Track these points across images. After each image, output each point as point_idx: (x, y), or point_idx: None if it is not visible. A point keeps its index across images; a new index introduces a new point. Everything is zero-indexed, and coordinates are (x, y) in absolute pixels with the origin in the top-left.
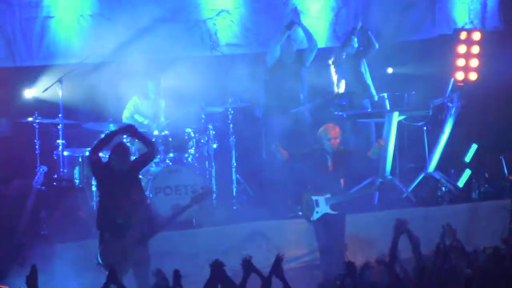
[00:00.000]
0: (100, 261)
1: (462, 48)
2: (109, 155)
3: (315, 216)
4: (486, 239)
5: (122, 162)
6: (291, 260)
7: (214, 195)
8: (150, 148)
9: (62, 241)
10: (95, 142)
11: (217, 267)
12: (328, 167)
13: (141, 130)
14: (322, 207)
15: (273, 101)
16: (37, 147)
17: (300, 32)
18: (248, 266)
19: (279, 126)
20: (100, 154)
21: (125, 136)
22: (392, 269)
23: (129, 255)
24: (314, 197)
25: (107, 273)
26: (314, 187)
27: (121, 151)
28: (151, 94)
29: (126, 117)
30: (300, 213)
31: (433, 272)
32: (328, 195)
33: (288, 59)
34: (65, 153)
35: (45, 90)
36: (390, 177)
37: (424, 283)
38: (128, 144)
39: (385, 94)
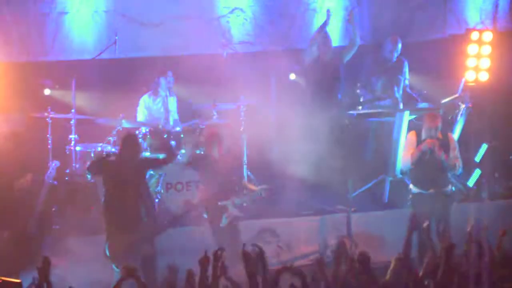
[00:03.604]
0: (108, 255)
1: (473, 48)
2: (119, 148)
3: (224, 222)
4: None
5: (131, 154)
6: (301, 257)
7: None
8: (169, 157)
9: (74, 236)
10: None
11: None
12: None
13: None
14: (231, 209)
15: (308, 101)
16: (49, 142)
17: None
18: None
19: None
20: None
21: (137, 132)
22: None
23: (135, 250)
24: (222, 203)
25: (114, 267)
26: (221, 193)
27: (129, 142)
28: (162, 91)
29: (141, 120)
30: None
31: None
32: (234, 199)
33: (326, 57)
34: (77, 148)
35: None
36: (400, 176)
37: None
38: (140, 139)
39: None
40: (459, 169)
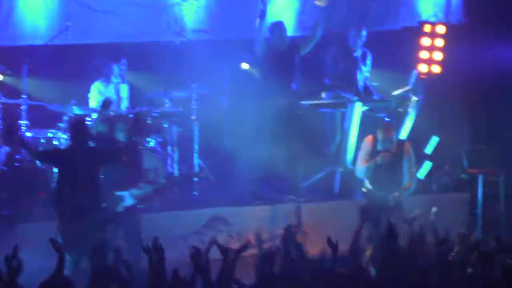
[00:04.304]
0: (60, 241)
1: (426, 41)
2: (69, 135)
3: (119, 211)
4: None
5: (81, 141)
6: (252, 247)
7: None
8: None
9: (23, 222)
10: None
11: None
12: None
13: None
14: (128, 201)
15: (261, 90)
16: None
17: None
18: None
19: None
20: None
21: (88, 118)
22: (355, 257)
23: (87, 237)
24: (119, 193)
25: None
26: (117, 182)
27: (79, 128)
28: (115, 78)
29: (92, 106)
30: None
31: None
32: (132, 190)
33: (281, 48)
34: (28, 134)
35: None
36: (351, 166)
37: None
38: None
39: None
40: (411, 189)
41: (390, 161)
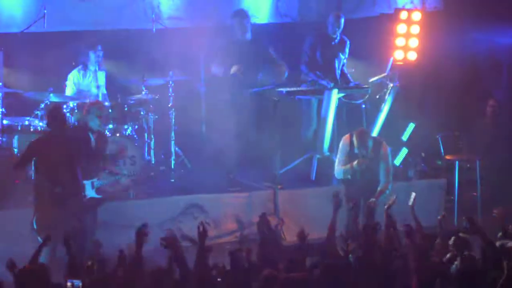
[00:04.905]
0: (35, 227)
1: (402, 28)
2: (46, 123)
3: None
4: (422, 218)
5: (59, 129)
6: (227, 234)
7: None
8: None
9: None
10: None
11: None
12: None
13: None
14: (88, 191)
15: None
16: None
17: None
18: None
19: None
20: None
21: (65, 106)
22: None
23: (63, 224)
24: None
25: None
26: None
27: (56, 117)
28: (91, 66)
29: (69, 94)
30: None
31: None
32: (94, 179)
33: (244, 36)
34: (4, 121)
35: None
36: (328, 153)
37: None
38: (68, 113)
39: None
40: (388, 191)
41: (366, 166)
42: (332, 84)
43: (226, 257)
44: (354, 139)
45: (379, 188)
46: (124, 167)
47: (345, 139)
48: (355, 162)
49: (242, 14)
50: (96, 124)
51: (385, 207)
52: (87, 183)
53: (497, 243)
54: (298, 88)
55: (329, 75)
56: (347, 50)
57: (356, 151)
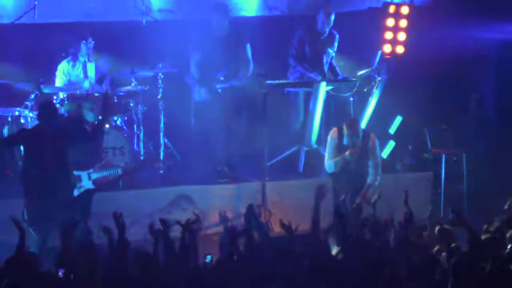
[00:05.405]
0: (26, 219)
1: (390, 22)
2: (36, 114)
3: (76, 192)
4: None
5: (49, 120)
6: (215, 225)
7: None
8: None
9: None
10: None
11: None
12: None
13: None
14: (85, 182)
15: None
16: None
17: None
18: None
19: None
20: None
21: (55, 97)
22: (316, 236)
23: (55, 216)
24: (76, 173)
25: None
26: (77, 162)
27: (47, 108)
28: (82, 57)
29: (59, 86)
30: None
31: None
32: (90, 170)
33: (220, 31)
34: None
35: None
36: (316, 146)
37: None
38: (58, 104)
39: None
40: (376, 182)
41: (358, 155)
42: (320, 77)
43: (214, 248)
44: (344, 129)
45: (368, 181)
46: (114, 158)
47: (332, 133)
48: (347, 152)
49: (221, 10)
50: (91, 117)
51: (372, 202)
52: (83, 174)
53: (483, 236)
54: (287, 81)
55: (317, 69)
56: (336, 44)
57: (345, 142)
